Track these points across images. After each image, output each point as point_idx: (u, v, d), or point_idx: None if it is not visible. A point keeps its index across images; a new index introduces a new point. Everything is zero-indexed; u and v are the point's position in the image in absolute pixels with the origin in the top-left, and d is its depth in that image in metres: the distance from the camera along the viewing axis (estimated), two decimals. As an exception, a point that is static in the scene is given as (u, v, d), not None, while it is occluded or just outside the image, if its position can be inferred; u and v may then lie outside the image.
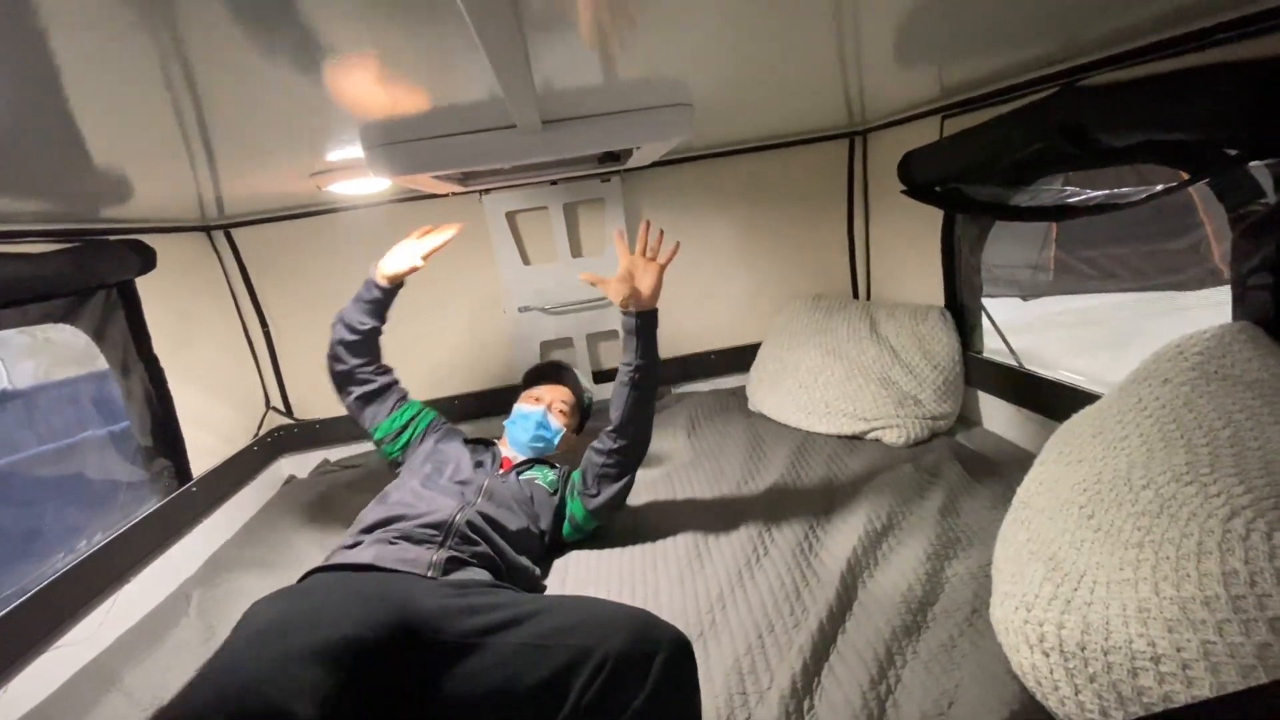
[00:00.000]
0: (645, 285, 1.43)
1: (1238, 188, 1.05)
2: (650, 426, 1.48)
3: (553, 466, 1.57)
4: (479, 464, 1.48)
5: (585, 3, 0.57)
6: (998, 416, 1.80)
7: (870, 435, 1.84)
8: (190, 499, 1.70)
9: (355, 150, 1.11)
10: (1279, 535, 0.70)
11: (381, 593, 0.97)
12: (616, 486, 1.44)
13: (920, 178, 1.73)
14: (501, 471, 1.50)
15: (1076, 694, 0.81)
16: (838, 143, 2.21)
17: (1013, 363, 1.70)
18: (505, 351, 2.27)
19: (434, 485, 1.35)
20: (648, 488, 1.77)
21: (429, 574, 1.11)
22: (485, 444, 1.60)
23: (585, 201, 2.17)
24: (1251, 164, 1.02)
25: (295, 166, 1.24)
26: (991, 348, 1.86)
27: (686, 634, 1.13)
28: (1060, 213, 1.37)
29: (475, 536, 1.23)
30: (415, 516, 1.23)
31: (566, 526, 1.47)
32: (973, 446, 1.74)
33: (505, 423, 1.64)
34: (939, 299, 1.91)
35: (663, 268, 1.46)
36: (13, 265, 1.22)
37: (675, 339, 2.39)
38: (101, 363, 1.61)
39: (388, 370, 1.62)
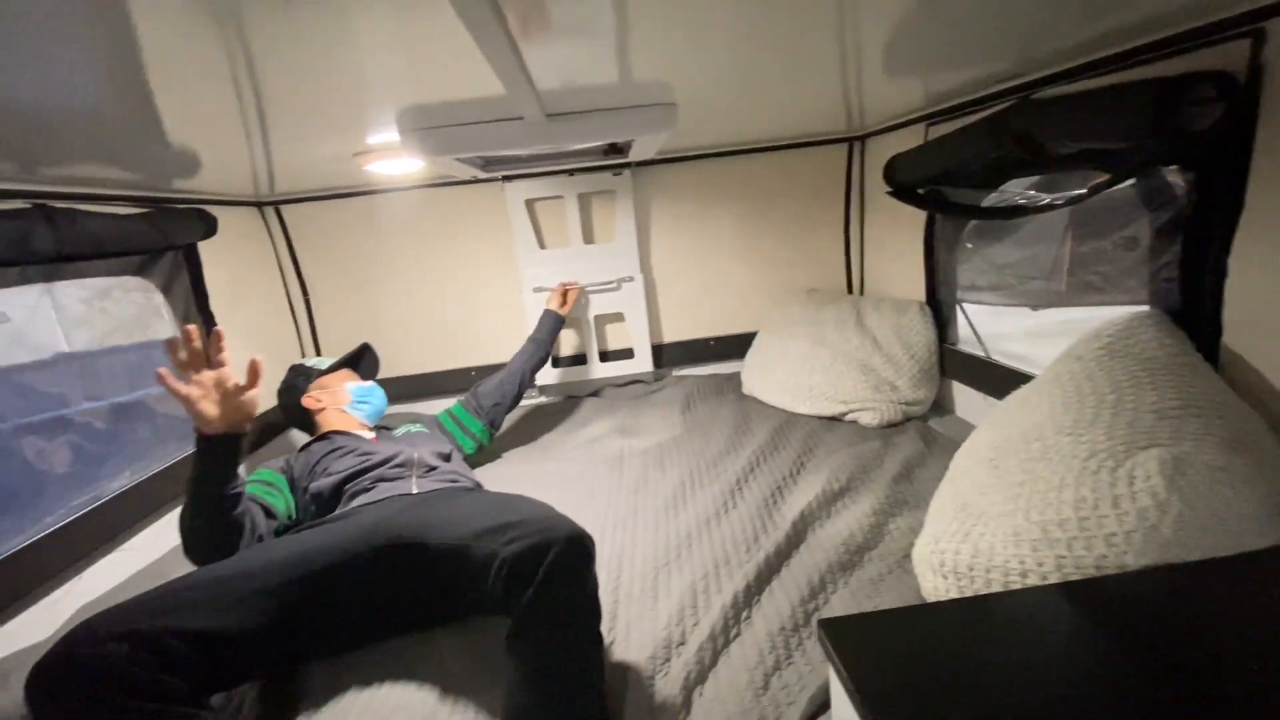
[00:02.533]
0: None
1: (1156, 192, 1.18)
2: None
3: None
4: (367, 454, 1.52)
5: (573, 16, 0.75)
6: (969, 405, 1.94)
7: (848, 417, 1.99)
8: (235, 440, 1.93)
9: (392, 133, 1.32)
10: (1121, 470, 0.85)
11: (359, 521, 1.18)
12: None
13: (903, 180, 1.87)
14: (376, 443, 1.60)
15: (963, 607, 0.96)
16: (838, 147, 2.36)
17: (982, 353, 1.83)
18: (520, 329, 2.47)
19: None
20: (640, 454, 1.94)
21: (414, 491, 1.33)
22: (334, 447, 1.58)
23: (598, 192, 2.35)
24: (1167, 170, 1.16)
25: (340, 146, 1.45)
26: (967, 339, 1.99)
27: (654, 564, 1.32)
28: (1014, 212, 1.51)
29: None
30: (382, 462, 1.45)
31: (470, 446, 1.92)
32: (942, 431, 1.88)
33: (355, 404, 1.75)
34: (921, 294, 2.05)
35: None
36: (105, 223, 1.45)
37: (678, 325, 2.56)
38: (150, 333, 1.86)
39: None
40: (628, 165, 2.27)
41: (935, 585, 1.03)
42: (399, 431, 1.74)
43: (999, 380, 1.73)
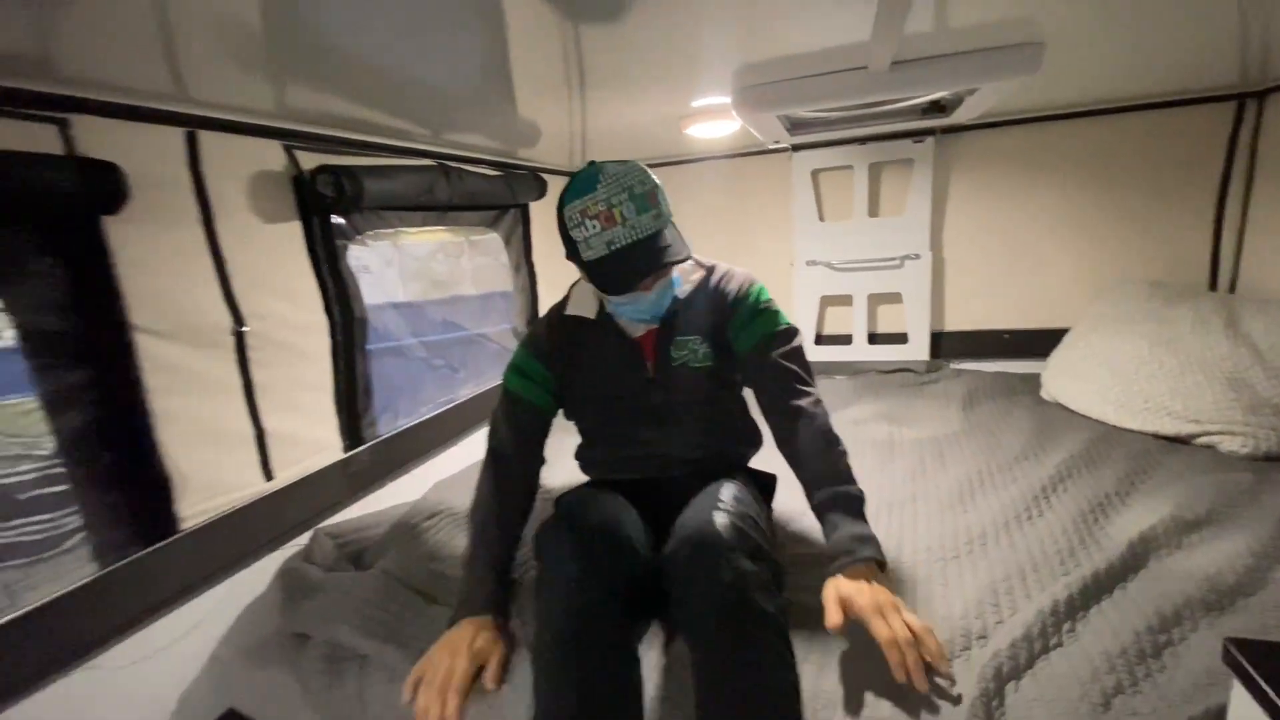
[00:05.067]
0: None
1: None
2: None
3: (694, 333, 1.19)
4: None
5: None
6: None
7: (1200, 440, 1.60)
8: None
9: (718, 96, 1.39)
10: None
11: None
12: None
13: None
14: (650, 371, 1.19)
15: None
16: (1220, 106, 1.88)
17: None
18: (786, 304, 2.46)
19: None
20: (913, 444, 1.81)
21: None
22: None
23: (891, 162, 2.21)
24: None
25: (664, 111, 1.58)
26: None
27: (940, 555, 1.23)
28: None
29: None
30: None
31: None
32: (1357, 476, 1.41)
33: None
34: (1342, 295, 1.55)
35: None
36: (478, 180, 1.79)
37: (965, 312, 2.31)
38: (459, 289, 2.24)
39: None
40: (932, 132, 2.09)
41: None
42: (675, 357, 1.18)
43: None
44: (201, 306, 1.14)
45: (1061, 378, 1.99)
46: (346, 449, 1.45)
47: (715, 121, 1.57)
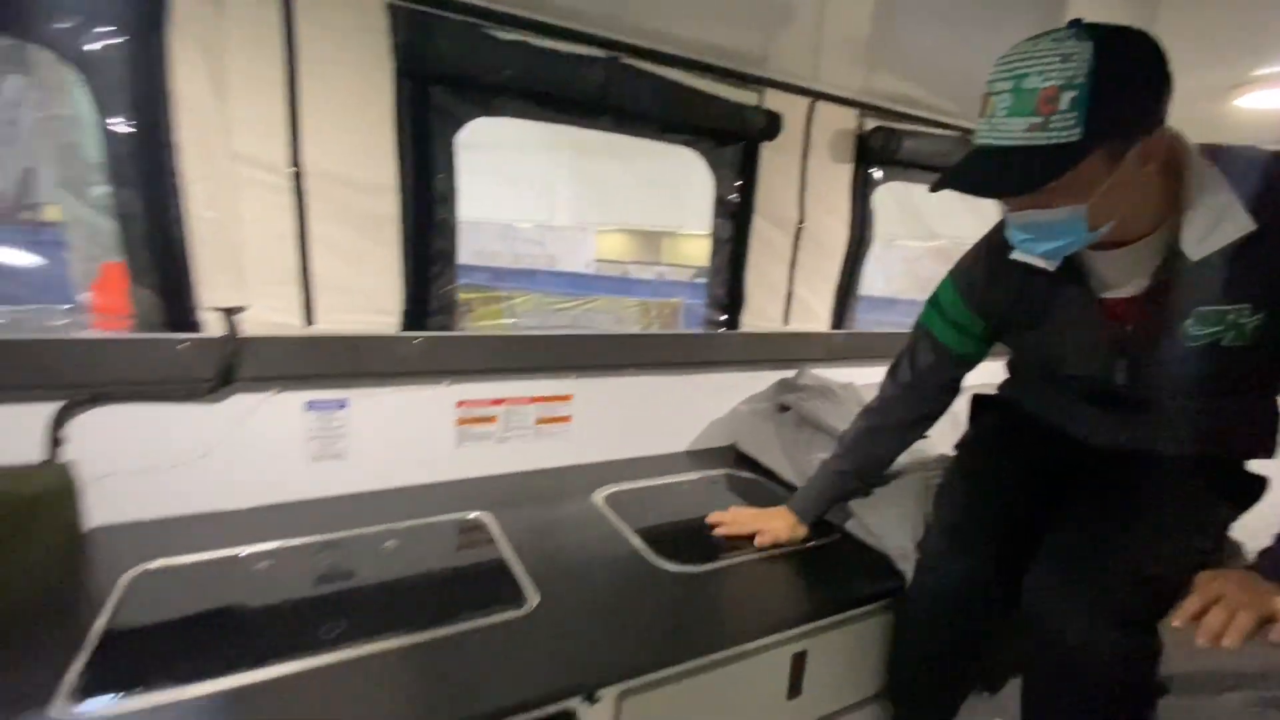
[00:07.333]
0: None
1: None
2: None
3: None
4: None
5: None
6: None
7: None
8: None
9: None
10: None
11: None
12: None
13: None
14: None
15: None
16: None
17: None
18: None
19: None
20: None
21: None
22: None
23: None
24: None
25: (1209, 82, 1.57)
26: None
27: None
28: None
29: None
30: None
31: None
32: None
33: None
34: None
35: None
36: (930, 141, 2.04)
37: None
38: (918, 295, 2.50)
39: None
40: None
41: None
42: (1195, 336, 0.84)
43: None
44: (784, 206, 1.87)
45: None
46: (832, 326, 2.06)
47: (1273, 89, 1.47)
